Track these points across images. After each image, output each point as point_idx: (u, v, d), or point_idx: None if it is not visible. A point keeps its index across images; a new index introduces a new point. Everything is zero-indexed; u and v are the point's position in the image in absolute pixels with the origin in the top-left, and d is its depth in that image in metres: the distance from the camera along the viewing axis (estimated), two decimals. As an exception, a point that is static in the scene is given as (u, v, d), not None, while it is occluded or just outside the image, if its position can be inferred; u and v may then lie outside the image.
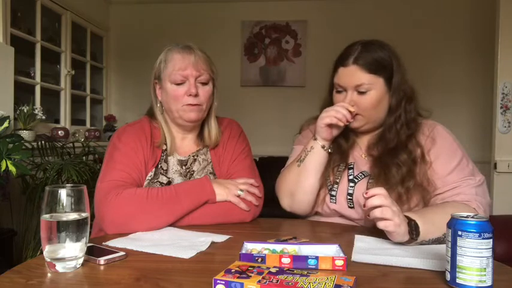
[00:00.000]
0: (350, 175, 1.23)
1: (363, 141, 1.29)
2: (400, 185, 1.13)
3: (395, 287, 0.74)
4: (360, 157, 1.27)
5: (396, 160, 1.16)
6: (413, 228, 0.95)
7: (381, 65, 1.18)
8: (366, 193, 0.95)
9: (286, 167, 1.33)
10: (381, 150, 1.22)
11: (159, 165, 1.28)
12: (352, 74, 1.18)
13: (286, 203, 1.28)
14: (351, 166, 1.25)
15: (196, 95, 1.22)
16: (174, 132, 1.32)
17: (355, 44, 1.22)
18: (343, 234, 1.11)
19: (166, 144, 1.30)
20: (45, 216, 0.79)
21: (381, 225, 0.93)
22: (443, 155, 1.16)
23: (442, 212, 1.01)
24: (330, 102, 1.28)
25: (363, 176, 1.22)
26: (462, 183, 1.11)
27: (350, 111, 1.17)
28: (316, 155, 1.22)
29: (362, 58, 1.17)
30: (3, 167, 1.80)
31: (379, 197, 0.93)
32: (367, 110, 1.19)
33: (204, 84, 1.25)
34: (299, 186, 1.23)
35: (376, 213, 0.93)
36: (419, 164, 1.16)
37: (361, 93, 1.18)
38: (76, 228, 0.79)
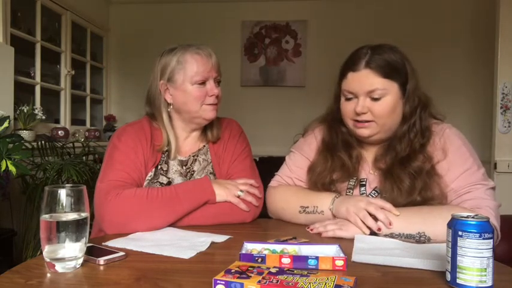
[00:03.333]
0: (362, 193, 1.18)
1: (369, 155, 1.23)
2: (418, 195, 1.08)
3: (395, 287, 0.74)
4: (368, 173, 1.21)
5: (409, 169, 1.10)
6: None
7: (395, 68, 1.11)
8: (312, 229, 1.10)
9: (286, 190, 1.28)
10: (389, 162, 1.16)
11: (159, 166, 1.28)
12: (364, 79, 1.10)
13: (271, 215, 1.31)
14: (363, 183, 1.19)
15: (217, 96, 1.26)
16: (179, 133, 1.32)
17: (363, 48, 1.14)
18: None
19: (167, 147, 1.30)
20: (45, 216, 0.79)
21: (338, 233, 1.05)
22: (452, 164, 1.11)
23: (418, 210, 1.05)
24: (336, 112, 1.23)
25: (376, 194, 1.16)
26: (471, 189, 1.07)
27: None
28: (323, 219, 1.14)
29: (374, 61, 1.09)
30: (3, 167, 1.79)
31: (317, 229, 1.09)
32: (383, 118, 1.11)
33: (219, 84, 1.28)
34: (290, 220, 1.23)
35: (330, 234, 1.05)
36: (433, 176, 1.10)
37: (374, 99, 1.10)
38: (76, 228, 0.79)
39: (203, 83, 1.24)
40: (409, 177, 1.10)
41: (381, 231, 1.02)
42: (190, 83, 1.23)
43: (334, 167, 1.20)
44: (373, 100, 1.11)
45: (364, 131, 1.14)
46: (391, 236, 1.02)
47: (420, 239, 1.00)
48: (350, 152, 1.21)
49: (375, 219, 1.03)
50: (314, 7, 4.04)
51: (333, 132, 1.25)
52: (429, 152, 1.13)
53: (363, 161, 1.22)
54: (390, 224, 1.02)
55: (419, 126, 1.14)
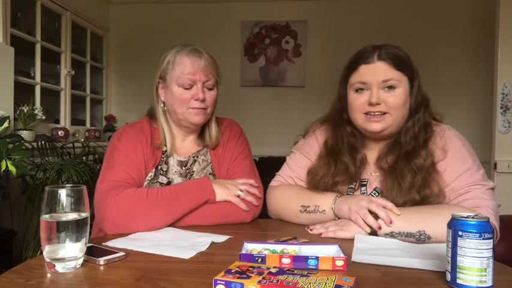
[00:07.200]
0: (363, 193, 1.18)
1: (372, 155, 1.22)
2: (417, 193, 1.08)
3: (395, 287, 0.74)
4: (370, 175, 1.21)
5: (412, 165, 1.11)
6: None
7: (404, 62, 1.14)
8: (311, 229, 1.11)
9: (286, 189, 1.28)
10: (393, 158, 1.15)
11: (159, 167, 1.28)
12: (379, 70, 1.11)
13: (271, 215, 1.32)
14: (364, 183, 1.20)
15: (203, 100, 1.23)
16: (175, 132, 1.32)
17: (368, 46, 1.16)
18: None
19: (166, 145, 1.30)
20: (45, 217, 0.79)
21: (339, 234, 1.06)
22: (452, 164, 1.11)
23: (418, 210, 1.05)
24: (340, 110, 1.22)
25: (376, 194, 1.16)
26: (470, 189, 1.07)
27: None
28: (324, 218, 1.15)
29: (386, 54, 1.12)
30: (3, 167, 1.79)
31: (318, 229, 1.10)
32: (396, 109, 1.12)
33: (210, 89, 1.26)
34: (290, 220, 1.23)
35: (331, 234, 1.06)
36: (432, 174, 1.11)
37: (388, 90, 1.11)
38: (76, 229, 0.79)
39: (190, 86, 1.22)
40: (411, 173, 1.10)
41: (381, 229, 1.02)
42: (176, 84, 1.23)
43: (338, 171, 1.20)
44: (386, 91, 1.11)
45: (376, 125, 1.13)
46: (392, 234, 1.02)
47: (420, 237, 1.00)
48: (354, 155, 1.21)
49: (376, 217, 1.03)
50: (314, 7, 4.04)
51: (338, 133, 1.24)
52: (431, 150, 1.14)
53: (366, 163, 1.22)
54: (391, 222, 1.02)
55: (422, 120, 1.16)
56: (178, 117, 1.26)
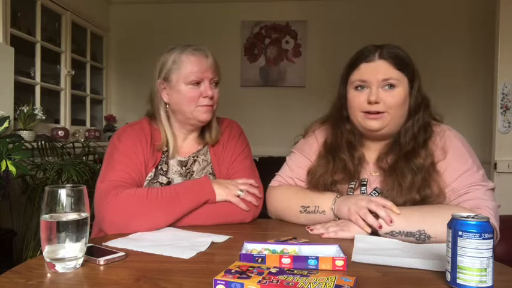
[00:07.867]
0: (363, 192, 1.18)
1: (372, 154, 1.23)
2: (417, 193, 1.08)
3: (395, 287, 0.74)
4: (369, 175, 1.21)
5: (412, 165, 1.11)
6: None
7: (405, 62, 1.14)
8: (312, 229, 1.11)
9: (286, 190, 1.28)
10: (393, 158, 1.16)
11: (159, 166, 1.28)
12: (379, 68, 1.12)
13: (271, 215, 1.32)
14: (364, 183, 1.20)
15: (211, 97, 1.24)
16: (176, 132, 1.32)
17: (369, 45, 1.17)
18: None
19: (167, 146, 1.30)
20: (45, 217, 0.79)
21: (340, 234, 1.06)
22: (452, 165, 1.11)
23: (419, 209, 1.05)
24: (340, 108, 1.22)
25: (376, 194, 1.16)
26: (470, 189, 1.07)
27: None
28: (324, 219, 1.16)
29: (387, 53, 1.12)
30: (3, 167, 1.79)
31: (318, 230, 1.10)
32: (394, 108, 1.12)
33: (216, 86, 1.27)
34: (290, 220, 1.24)
35: (332, 235, 1.06)
36: (432, 174, 1.11)
37: (388, 88, 1.12)
38: (76, 229, 0.79)
39: (197, 83, 1.23)
40: (411, 173, 1.10)
41: (382, 228, 1.02)
42: (184, 83, 1.23)
43: (336, 169, 1.20)
44: (386, 90, 1.12)
45: (374, 123, 1.14)
46: (392, 234, 1.02)
47: (420, 236, 1.00)
48: (352, 153, 1.21)
49: (376, 217, 1.03)
50: (314, 7, 4.04)
51: (338, 130, 1.24)
52: (430, 150, 1.14)
53: (365, 163, 1.22)
54: (391, 221, 1.02)
55: (422, 121, 1.16)
56: (186, 116, 1.26)
